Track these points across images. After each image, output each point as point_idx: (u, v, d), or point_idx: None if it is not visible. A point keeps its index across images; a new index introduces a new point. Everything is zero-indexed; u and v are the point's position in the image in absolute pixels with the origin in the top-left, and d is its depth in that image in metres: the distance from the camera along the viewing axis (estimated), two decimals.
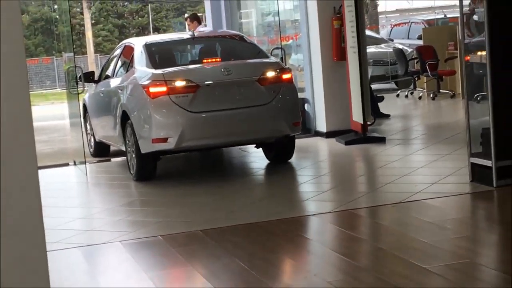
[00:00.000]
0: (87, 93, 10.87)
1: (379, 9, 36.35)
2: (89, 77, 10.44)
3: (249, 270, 5.11)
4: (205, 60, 8.78)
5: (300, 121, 8.81)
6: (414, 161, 8.77)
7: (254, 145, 9.36)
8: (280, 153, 9.06)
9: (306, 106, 11.13)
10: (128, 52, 9.42)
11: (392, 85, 17.66)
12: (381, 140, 9.97)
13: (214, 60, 8.80)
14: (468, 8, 7.33)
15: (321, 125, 10.84)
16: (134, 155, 8.54)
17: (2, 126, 3.27)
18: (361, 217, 6.50)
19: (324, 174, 8.55)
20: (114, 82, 9.42)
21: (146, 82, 8.31)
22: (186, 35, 9.81)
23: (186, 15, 13.00)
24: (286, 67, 9.08)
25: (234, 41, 9.71)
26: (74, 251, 6.00)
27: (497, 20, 6.69)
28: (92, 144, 10.71)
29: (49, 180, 8.96)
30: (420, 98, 14.82)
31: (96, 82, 10.32)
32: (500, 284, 4.58)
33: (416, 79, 15.38)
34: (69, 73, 11.11)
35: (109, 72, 10.03)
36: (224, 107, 8.27)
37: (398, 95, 15.57)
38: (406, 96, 15.31)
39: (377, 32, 26.60)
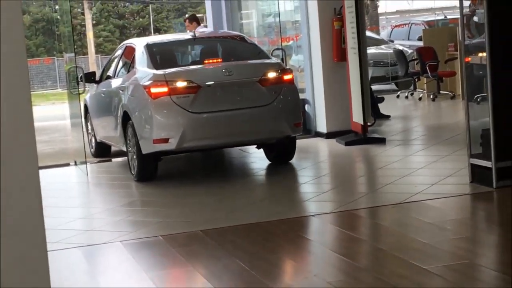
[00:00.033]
0: (88, 93, 10.88)
1: (380, 10, 36.32)
2: (90, 77, 10.45)
3: (249, 270, 5.12)
4: (206, 61, 8.78)
5: (301, 122, 8.81)
6: (414, 162, 8.78)
7: (255, 146, 9.37)
8: (281, 153, 9.06)
9: (306, 106, 11.13)
10: (129, 52, 9.43)
11: (392, 86, 17.67)
12: (381, 141, 9.98)
13: (215, 60, 8.81)
14: (468, 10, 7.34)
15: (322, 126, 10.85)
16: (135, 156, 8.55)
17: (3, 126, 3.27)
18: (361, 217, 6.51)
19: (324, 175, 8.56)
20: (115, 83, 9.43)
21: (147, 83, 8.32)
22: (188, 35, 9.81)
23: (187, 15, 12.97)
24: (287, 68, 9.08)
25: (235, 42, 9.72)
26: (75, 251, 6.01)
27: (497, 20, 6.70)
28: (93, 144, 10.72)
29: (49, 180, 8.97)
30: (420, 99, 14.82)
31: (97, 82, 10.33)
32: (499, 285, 4.59)
33: (416, 80, 15.39)
34: (70, 74, 11.13)
35: (110, 72, 10.04)
36: (225, 107, 8.27)
37: (398, 96, 15.58)
38: (406, 97, 15.32)
39: (378, 33, 26.59)
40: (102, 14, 44.87)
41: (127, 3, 45.52)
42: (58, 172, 9.93)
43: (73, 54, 11.26)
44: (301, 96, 10.33)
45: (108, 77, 9.99)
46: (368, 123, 10.08)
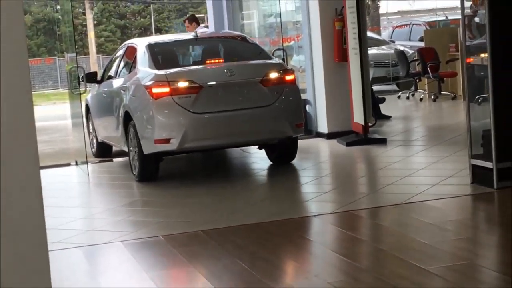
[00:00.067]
0: (90, 93, 10.88)
1: (381, 10, 36.32)
2: (91, 77, 10.45)
3: (250, 270, 5.12)
4: (208, 61, 8.78)
5: (303, 123, 8.80)
6: (415, 162, 8.78)
7: (257, 146, 9.36)
8: (282, 154, 9.05)
9: (307, 107, 11.13)
10: (131, 52, 9.43)
11: (393, 86, 17.67)
12: (382, 142, 9.98)
13: (217, 61, 8.80)
14: (470, 10, 7.34)
15: (322, 126, 10.85)
16: (136, 156, 8.54)
17: (4, 126, 3.28)
18: (362, 218, 6.51)
19: (325, 175, 8.56)
20: (117, 83, 9.43)
21: (149, 83, 8.32)
22: (189, 35, 9.81)
23: (186, 16, 12.92)
24: (289, 68, 9.07)
25: (237, 42, 9.71)
26: (75, 251, 6.01)
27: (497, 20, 6.69)
28: (95, 144, 10.72)
29: (50, 180, 8.97)
30: (421, 99, 14.82)
31: (99, 82, 10.32)
32: (500, 286, 4.59)
33: (417, 80, 15.40)
34: (71, 74, 11.13)
35: (111, 72, 10.04)
36: (227, 108, 8.26)
37: (399, 97, 15.58)
38: (407, 97, 15.32)
39: (379, 33, 26.59)
40: (103, 14, 44.89)
41: (129, 3, 45.54)
42: (59, 172, 9.94)
43: (74, 54, 11.26)
44: (302, 96, 10.32)
45: (110, 77, 9.99)
46: (369, 124, 10.08)
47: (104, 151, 10.56)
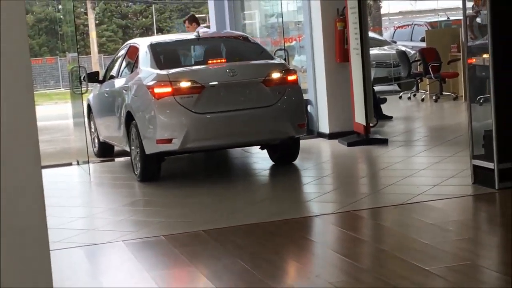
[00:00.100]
0: (92, 93, 10.88)
1: (382, 11, 36.31)
2: (93, 77, 10.44)
3: (251, 270, 5.12)
4: (210, 61, 8.77)
5: (305, 123, 8.79)
6: (417, 163, 8.78)
7: (259, 147, 9.35)
8: (284, 154, 9.04)
9: (309, 107, 11.13)
10: (133, 52, 9.42)
11: (394, 87, 17.67)
12: (384, 142, 9.98)
13: (219, 61, 8.80)
14: (471, 11, 7.34)
15: (324, 127, 10.85)
16: (138, 156, 8.53)
17: (5, 125, 3.28)
18: (363, 218, 6.51)
19: (327, 175, 8.56)
20: (119, 83, 9.43)
21: (151, 83, 8.31)
22: (191, 35, 9.80)
23: (186, 17, 12.87)
24: (291, 68, 9.06)
25: (239, 42, 9.70)
26: (77, 250, 6.02)
27: (497, 20, 6.69)
28: (96, 144, 10.72)
29: (52, 180, 8.98)
30: (422, 100, 14.82)
31: (101, 82, 10.32)
32: (501, 286, 4.59)
33: (418, 81, 15.40)
34: (72, 73, 11.12)
35: (113, 72, 10.04)
36: (229, 108, 8.25)
37: (400, 97, 15.58)
38: (409, 98, 15.32)
39: (380, 34, 26.60)
40: (105, 14, 44.91)
41: (130, 3, 45.56)
42: (61, 171, 9.94)
43: (76, 54, 11.26)
44: (304, 96, 10.33)
45: (112, 77, 9.99)
46: (371, 124, 10.08)
47: (105, 151, 10.56)
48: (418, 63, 15.48)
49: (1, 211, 3.28)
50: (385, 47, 18.82)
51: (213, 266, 5.40)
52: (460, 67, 13.87)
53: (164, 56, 8.92)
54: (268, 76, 8.45)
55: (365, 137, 9.98)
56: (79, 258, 5.87)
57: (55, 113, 19.58)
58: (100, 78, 10.40)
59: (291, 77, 8.61)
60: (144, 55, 8.89)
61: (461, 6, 7.27)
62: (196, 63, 9.20)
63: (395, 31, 22.14)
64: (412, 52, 17.31)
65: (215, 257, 5.58)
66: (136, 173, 8.67)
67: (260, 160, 9.51)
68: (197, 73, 8.55)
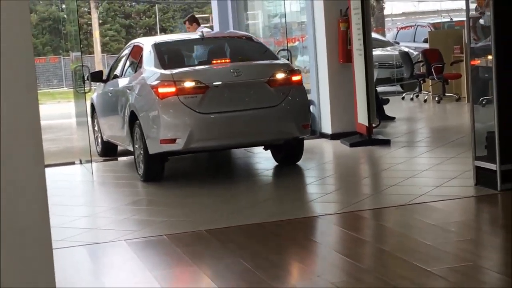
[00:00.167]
0: (95, 92, 10.89)
1: (386, 12, 36.33)
2: (97, 76, 10.45)
3: (253, 270, 5.13)
4: (214, 61, 8.76)
5: (310, 124, 8.78)
6: (419, 163, 8.79)
7: (263, 147, 9.34)
8: (288, 155, 9.03)
9: (311, 107, 11.13)
10: (137, 52, 9.42)
11: (397, 87, 17.66)
12: (386, 143, 9.99)
13: (223, 61, 8.79)
14: (475, 12, 7.34)
15: (326, 127, 10.86)
16: (142, 156, 8.53)
17: (9, 124, 3.29)
18: (365, 219, 6.52)
19: (329, 176, 8.57)
20: (123, 82, 9.43)
21: (155, 83, 8.31)
22: (196, 35, 9.80)
23: (186, 17, 12.84)
24: (296, 68, 9.06)
25: (243, 42, 9.69)
26: (79, 249, 6.03)
27: (498, 20, 6.70)
28: (100, 143, 10.72)
29: (55, 179, 8.99)
30: (425, 101, 14.82)
31: (105, 81, 10.32)
32: (502, 287, 4.59)
33: (421, 82, 15.39)
34: (76, 73, 11.13)
35: (117, 71, 10.03)
36: (233, 108, 8.24)
37: (403, 98, 15.58)
38: (412, 99, 15.32)
39: (383, 35, 26.60)
40: (108, 13, 44.93)
41: (134, 3, 45.57)
42: (63, 170, 9.95)
43: (79, 53, 11.27)
44: None
45: (115, 76, 9.99)
46: (373, 125, 10.08)
47: (109, 151, 10.57)
48: (421, 64, 15.47)
49: (5, 210, 3.29)
50: (388, 48, 18.82)
51: (215, 265, 5.41)
52: (463, 68, 13.87)
53: (168, 55, 8.92)
54: (272, 77, 8.43)
55: (368, 137, 9.99)
56: (82, 257, 5.88)
57: (58, 112, 19.59)
58: (104, 77, 10.40)
59: (295, 78, 8.59)
60: (148, 55, 8.89)
61: (464, 7, 7.27)
62: (200, 63, 9.17)
63: (398, 32, 22.13)
64: (415, 53, 17.30)
65: (217, 256, 5.60)
66: (140, 173, 8.67)
67: (263, 160, 9.52)
68: (201, 73, 8.54)
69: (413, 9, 42.98)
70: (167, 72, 8.35)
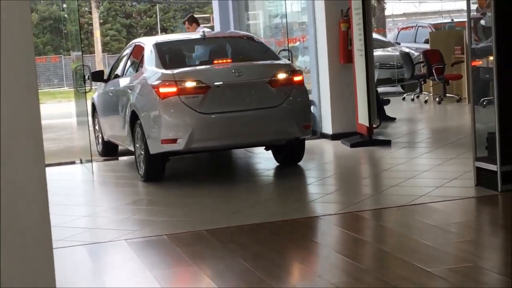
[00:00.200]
0: (96, 92, 10.88)
1: (386, 12, 36.32)
2: (98, 76, 10.44)
3: (253, 270, 5.13)
4: (215, 61, 8.76)
5: (311, 124, 8.77)
6: (419, 164, 8.79)
7: (264, 147, 9.33)
8: (289, 155, 9.01)
9: (312, 108, 11.12)
10: (138, 51, 9.41)
11: (398, 88, 17.67)
12: (387, 143, 9.99)
13: (224, 61, 8.78)
14: (476, 13, 7.34)
15: (327, 127, 10.86)
16: (142, 156, 8.52)
17: (10, 123, 3.29)
18: (366, 219, 6.52)
19: (329, 176, 8.56)
20: (124, 82, 9.42)
21: (156, 82, 8.30)
22: (197, 35, 9.79)
23: (185, 18, 12.81)
24: (297, 69, 9.04)
25: (245, 42, 9.68)
26: (79, 248, 6.03)
27: (500, 20, 6.70)
28: (100, 143, 10.72)
29: (55, 178, 8.99)
30: (426, 101, 14.82)
31: (106, 81, 10.31)
32: None
33: (422, 82, 15.39)
34: (76, 72, 11.13)
35: (118, 71, 10.02)
36: (235, 108, 8.22)
37: (404, 99, 15.58)
38: (412, 99, 15.32)
39: (384, 35, 26.60)
40: (109, 13, 44.94)
41: (134, 3, 45.59)
42: (64, 170, 9.95)
43: (80, 53, 11.27)
44: None
45: (116, 76, 9.98)
46: (374, 125, 10.08)
47: (110, 150, 10.56)
48: (422, 64, 15.47)
49: (5, 210, 3.29)
50: (389, 49, 18.83)
51: (215, 265, 5.41)
52: (464, 69, 13.87)
53: (169, 55, 8.91)
54: (274, 77, 8.42)
55: (368, 138, 9.99)
56: (82, 256, 5.88)
57: (59, 112, 19.59)
58: (105, 77, 10.39)
59: (297, 78, 8.58)
60: (149, 55, 8.88)
61: (465, 8, 7.27)
62: (202, 63, 9.16)
63: (399, 33, 22.14)
64: (416, 53, 17.31)
65: (218, 257, 5.59)
66: (140, 173, 8.66)
67: (263, 160, 9.52)
68: (202, 73, 8.53)
69: (414, 10, 42.97)
70: (168, 72, 8.35)
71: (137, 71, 9.16)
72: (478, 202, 6.82)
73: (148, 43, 9.22)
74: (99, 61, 38.33)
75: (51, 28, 42.86)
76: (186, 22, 12.48)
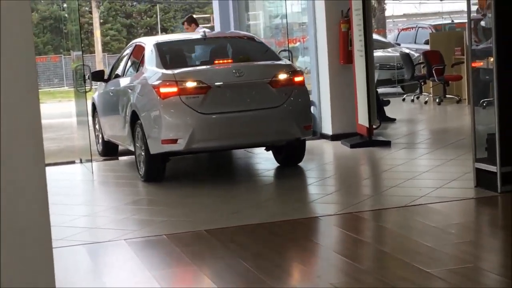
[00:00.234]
0: (97, 92, 10.88)
1: (387, 13, 36.31)
2: (98, 76, 10.44)
3: (253, 270, 5.13)
4: (216, 61, 8.75)
5: (312, 125, 8.77)
6: (419, 165, 8.79)
7: (264, 148, 9.32)
8: (290, 156, 9.01)
9: (312, 108, 11.12)
10: (138, 51, 9.40)
11: (398, 89, 17.68)
12: (387, 144, 9.99)
13: (225, 61, 8.78)
14: (477, 14, 7.35)
15: (327, 128, 10.86)
16: (143, 156, 8.52)
17: (10, 123, 3.29)
18: (365, 220, 6.52)
19: (329, 177, 8.57)
20: (124, 82, 9.42)
21: (157, 82, 8.30)
22: (198, 35, 9.78)
23: (185, 18, 12.81)
24: (298, 69, 9.04)
25: (245, 42, 9.68)
26: (79, 248, 6.03)
27: (500, 20, 6.70)
28: (101, 143, 10.72)
29: (55, 178, 8.99)
30: (426, 102, 14.83)
31: (106, 81, 10.31)
32: None
33: (422, 83, 15.40)
34: (77, 72, 11.13)
35: (119, 71, 10.02)
36: (235, 109, 8.21)
37: (404, 99, 15.59)
38: (412, 100, 15.32)
39: (384, 36, 26.60)
40: (109, 13, 44.96)
41: (135, 3, 45.60)
42: (64, 169, 9.96)
43: (80, 52, 11.28)
44: None
45: (117, 76, 9.98)
46: (374, 126, 10.08)
47: (110, 150, 10.56)
48: (422, 65, 15.48)
49: (5, 210, 3.29)
50: (389, 49, 18.84)
51: (215, 266, 5.42)
52: (464, 70, 13.88)
53: (170, 55, 8.90)
54: (274, 77, 8.41)
55: (368, 138, 9.99)
56: (81, 256, 5.88)
57: (59, 111, 19.60)
58: (105, 77, 10.39)
59: (298, 79, 8.57)
60: (150, 54, 8.88)
61: (465, 9, 7.27)
62: (202, 63, 9.15)
63: (399, 34, 22.15)
64: (416, 54, 17.32)
65: (218, 257, 5.60)
66: (140, 173, 8.66)
67: (263, 160, 9.52)
68: (203, 73, 8.52)
69: (414, 11, 42.98)
70: (169, 72, 8.34)
71: (137, 71, 9.15)
72: (477, 203, 6.82)
73: (148, 43, 9.21)
74: (99, 61, 38.34)
75: (51, 28, 42.87)
76: (185, 23, 12.47)
